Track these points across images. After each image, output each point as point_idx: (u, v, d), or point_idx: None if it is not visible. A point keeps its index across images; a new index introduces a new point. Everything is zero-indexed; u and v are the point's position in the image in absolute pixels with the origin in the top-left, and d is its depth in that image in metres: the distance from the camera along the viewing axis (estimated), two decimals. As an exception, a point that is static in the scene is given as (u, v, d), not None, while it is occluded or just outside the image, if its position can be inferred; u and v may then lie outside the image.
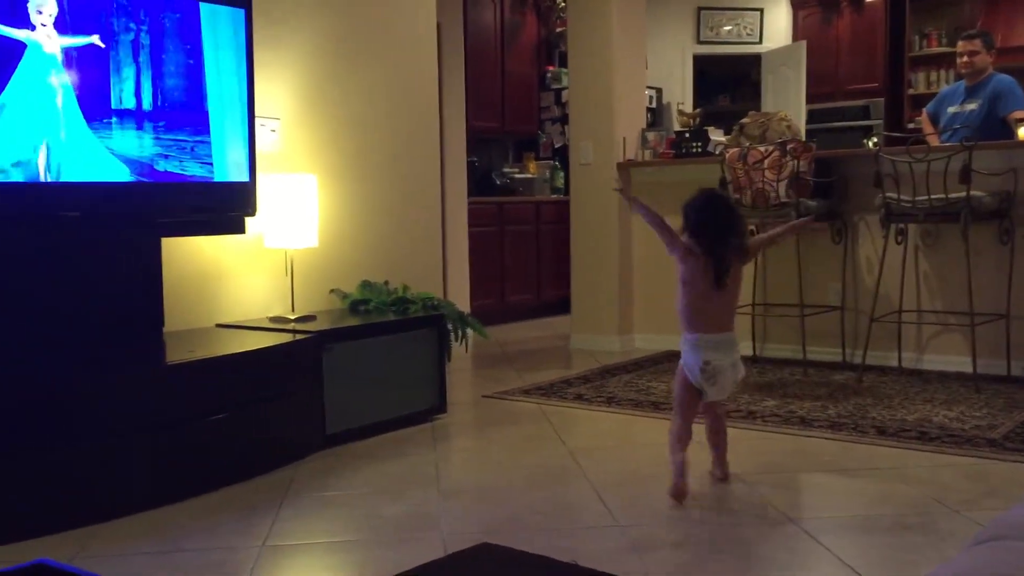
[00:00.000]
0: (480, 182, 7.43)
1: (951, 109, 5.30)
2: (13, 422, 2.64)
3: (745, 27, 8.77)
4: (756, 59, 8.50)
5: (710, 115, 7.35)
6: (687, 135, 5.75)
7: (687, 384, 2.97)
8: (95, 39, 3.05)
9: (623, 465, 3.30)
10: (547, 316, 7.24)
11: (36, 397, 2.71)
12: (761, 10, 8.75)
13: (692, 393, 2.98)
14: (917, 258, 4.86)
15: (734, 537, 2.63)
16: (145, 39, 3.18)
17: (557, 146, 7.87)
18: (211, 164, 3.43)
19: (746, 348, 4.39)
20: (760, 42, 8.72)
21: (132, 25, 3.14)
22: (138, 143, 3.19)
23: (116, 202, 3.18)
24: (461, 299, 6.16)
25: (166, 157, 3.28)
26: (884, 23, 8.20)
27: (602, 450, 3.53)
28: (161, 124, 3.25)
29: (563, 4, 7.40)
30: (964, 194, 4.25)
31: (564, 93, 7.48)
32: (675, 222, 3.03)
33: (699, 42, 8.74)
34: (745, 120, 5.19)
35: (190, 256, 3.73)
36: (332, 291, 4.27)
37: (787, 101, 7.59)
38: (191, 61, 3.34)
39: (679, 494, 2.88)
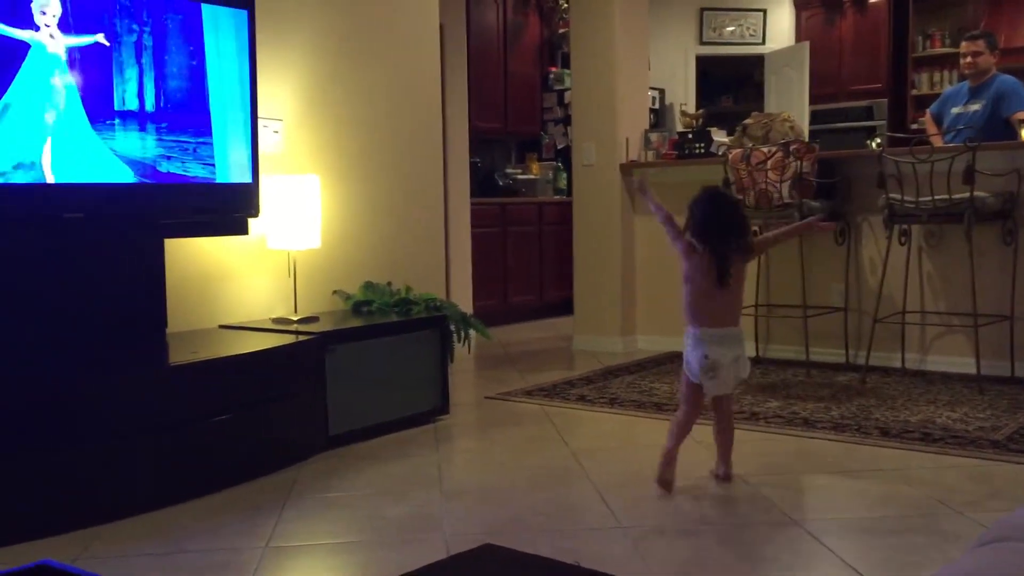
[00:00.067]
0: (483, 183, 7.43)
1: (955, 110, 5.29)
2: (17, 423, 2.64)
3: (748, 28, 8.77)
4: (759, 60, 8.49)
5: (713, 116, 7.34)
6: (690, 136, 5.74)
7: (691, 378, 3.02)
8: (100, 37, 3.05)
9: (626, 466, 3.30)
10: (550, 317, 7.24)
11: (40, 398, 2.71)
12: (764, 11, 8.74)
13: (696, 387, 3.02)
14: (920, 259, 4.85)
15: (737, 538, 2.63)
16: (148, 40, 3.19)
17: (560, 147, 7.87)
18: (213, 165, 3.43)
19: (749, 349, 4.37)
20: (763, 43, 8.71)
21: (135, 26, 3.15)
22: (141, 144, 3.19)
23: (119, 203, 3.18)
24: (464, 300, 6.16)
25: (169, 158, 3.28)
26: (887, 24, 8.19)
27: (605, 451, 3.53)
28: (164, 125, 3.26)
29: (566, 5, 7.39)
30: (968, 195, 4.24)
31: (567, 94, 7.49)
32: (681, 222, 3.08)
33: (702, 43, 8.74)
34: (748, 121, 5.18)
35: (193, 257, 3.73)
36: (335, 292, 4.27)
37: (790, 102, 7.58)
38: (193, 62, 3.35)
39: (662, 482, 2.97)
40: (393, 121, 4.64)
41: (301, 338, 3.50)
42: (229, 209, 3.55)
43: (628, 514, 2.79)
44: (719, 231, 2.97)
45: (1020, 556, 1.11)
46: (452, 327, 4.13)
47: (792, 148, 4.62)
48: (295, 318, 3.83)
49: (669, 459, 3.00)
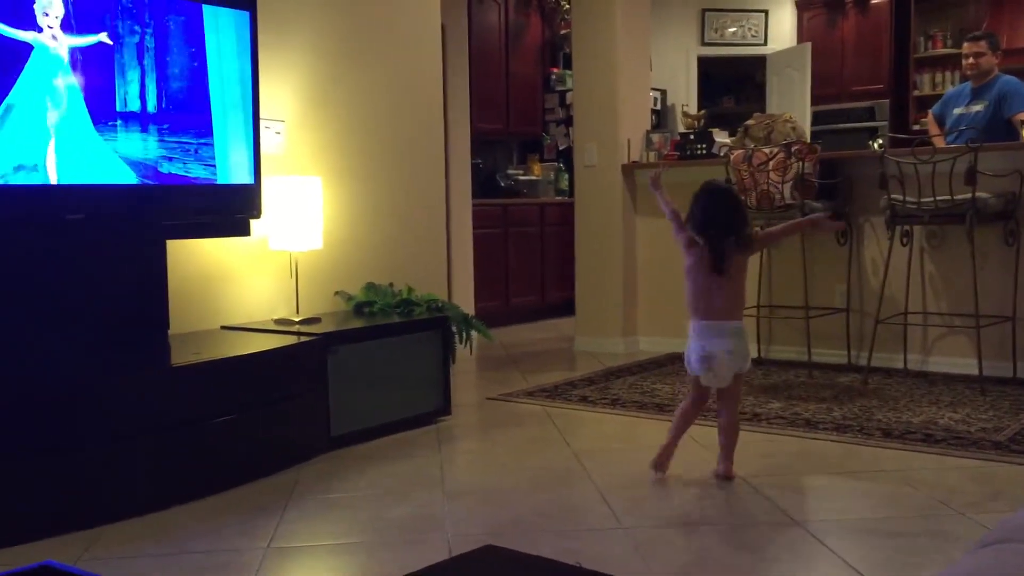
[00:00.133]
0: (484, 184, 7.43)
1: (957, 110, 5.29)
2: (19, 423, 2.65)
3: (750, 29, 8.76)
4: (761, 61, 8.49)
5: (714, 117, 7.34)
6: (691, 137, 5.74)
7: None
8: (103, 36, 3.06)
9: (627, 467, 3.30)
10: (551, 318, 7.24)
11: (42, 399, 2.71)
12: (766, 11, 8.74)
13: (698, 379, 3.12)
14: (922, 260, 4.85)
15: (739, 539, 2.63)
16: (150, 42, 3.19)
17: (561, 148, 7.87)
18: (214, 166, 3.43)
19: (751, 350, 4.39)
20: (765, 43, 8.71)
21: (137, 27, 3.15)
22: (143, 145, 3.20)
23: (121, 204, 3.18)
24: (465, 301, 6.16)
25: (170, 159, 3.28)
26: (889, 24, 8.18)
27: (606, 452, 3.53)
28: (165, 126, 3.26)
29: (567, 6, 7.39)
30: (970, 196, 4.24)
31: (568, 95, 7.48)
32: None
33: (703, 44, 8.73)
34: (750, 122, 5.19)
35: (195, 258, 3.74)
36: (337, 293, 4.27)
37: (792, 103, 7.58)
38: (195, 63, 3.35)
39: (655, 465, 3.15)
40: (395, 122, 4.64)
41: (303, 339, 3.51)
42: (231, 210, 3.55)
43: (630, 515, 2.79)
44: (718, 225, 3.04)
45: (1022, 557, 1.11)
46: (454, 328, 4.13)
47: (794, 149, 4.62)
48: (297, 319, 3.83)
49: (667, 446, 3.16)
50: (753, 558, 2.51)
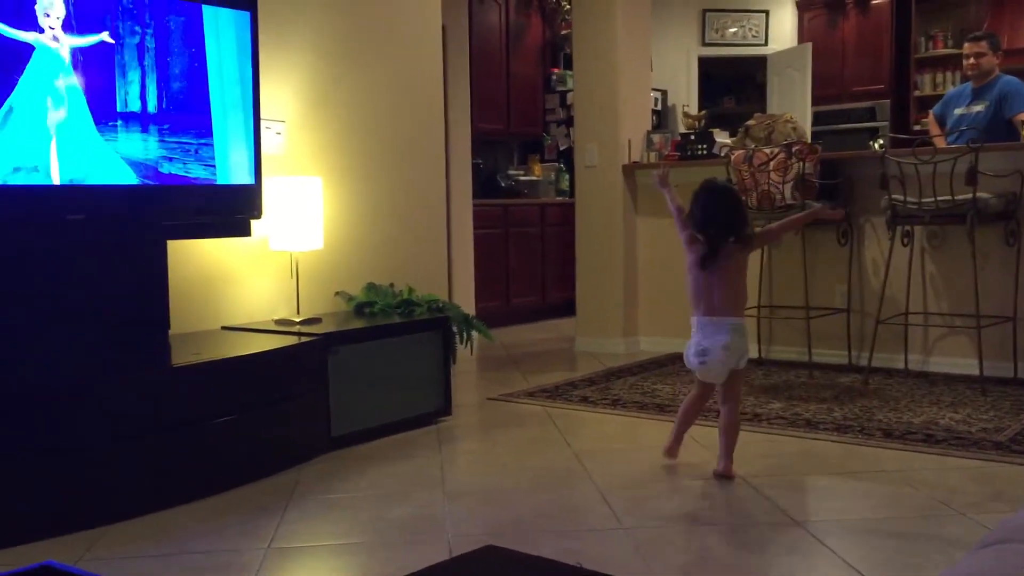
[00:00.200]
0: (485, 184, 7.43)
1: (957, 111, 5.29)
2: (20, 424, 2.65)
3: (750, 29, 8.76)
4: (761, 61, 8.49)
5: (715, 117, 7.34)
6: (692, 137, 5.74)
7: None
8: (104, 36, 3.06)
9: (628, 467, 3.30)
10: (552, 318, 7.24)
11: (42, 399, 2.71)
12: (766, 12, 8.74)
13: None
14: (923, 260, 4.85)
15: (739, 539, 2.63)
16: (150, 42, 3.19)
17: (562, 148, 7.87)
18: (214, 166, 3.43)
19: (752, 350, 4.40)
20: (765, 44, 8.71)
21: (137, 28, 3.15)
22: (143, 146, 3.20)
23: (122, 205, 3.19)
24: (466, 301, 6.16)
25: (171, 160, 3.28)
26: (890, 25, 8.18)
27: (607, 452, 3.53)
28: (166, 127, 3.26)
29: (568, 6, 7.40)
30: (970, 196, 4.24)
31: (569, 95, 7.48)
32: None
33: (704, 44, 8.73)
34: (750, 122, 5.19)
35: (196, 259, 3.74)
36: (337, 293, 4.27)
37: (792, 103, 7.58)
38: (195, 64, 3.35)
39: (666, 452, 3.30)
40: (395, 122, 4.64)
41: (303, 339, 3.51)
42: (231, 210, 3.55)
43: (630, 515, 2.79)
44: (718, 223, 3.09)
45: (1023, 558, 1.11)
46: (454, 328, 4.13)
47: (795, 149, 4.62)
48: (297, 319, 3.83)
49: (675, 437, 3.30)
50: (753, 558, 2.51)
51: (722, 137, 5.77)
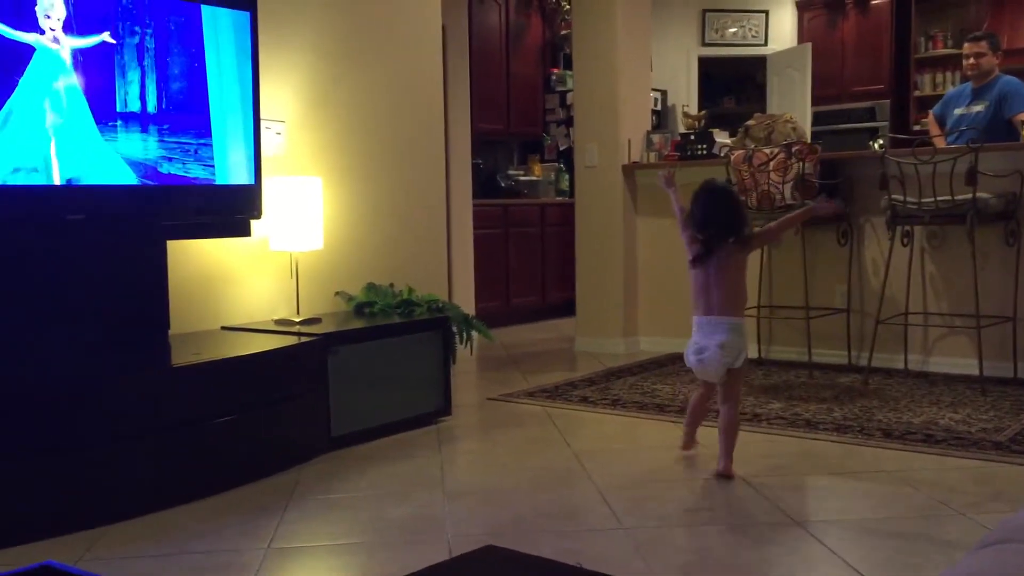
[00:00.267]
0: (485, 184, 7.43)
1: (957, 111, 5.29)
2: (20, 424, 2.65)
3: (750, 29, 8.76)
4: (761, 61, 8.49)
5: (715, 117, 7.34)
6: (692, 137, 5.74)
7: None
8: (106, 36, 3.06)
9: (628, 467, 3.30)
10: (552, 318, 7.24)
11: (42, 399, 2.71)
12: (766, 12, 8.74)
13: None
14: (923, 260, 4.85)
15: (739, 539, 2.63)
16: (150, 43, 3.19)
17: (562, 148, 7.87)
18: (213, 167, 3.43)
19: (752, 350, 4.40)
20: (765, 44, 8.71)
21: (137, 28, 3.15)
22: (143, 146, 3.20)
23: (121, 205, 3.19)
24: (466, 301, 6.16)
25: (170, 160, 3.28)
26: (890, 25, 8.18)
27: (607, 452, 3.53)
28: (165, 127, 3.26)
29: (568, 6, 7.40)
30: (970, 196, 4.24)
31: (569, 95, 7.48)
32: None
33: (704, 44, 8.73)
34: (750, 122, 5.19)
35: (195, 259, 3.74)
36: (337, 293, 4.27)
37: (792, 103, 7.58)
38: (195, 64, 3.35)
39: (683, 448, 3.39)
40: (395, 122, 4.64)
41: (303, 339, 3.51)
42: (231, 211, 3.55)
43: (630, 515, 2.79)
44: (718, 224, 3.12)
45: (1022, 558, 1.11)
46: (454, 328, 4.13)
47: (794, 149, 4.62)
48: (297, 319, 3.83)
49: (686, 435, 3.39)
50: (753, 558, 2.51)
51: (722, 137, 5.77)
